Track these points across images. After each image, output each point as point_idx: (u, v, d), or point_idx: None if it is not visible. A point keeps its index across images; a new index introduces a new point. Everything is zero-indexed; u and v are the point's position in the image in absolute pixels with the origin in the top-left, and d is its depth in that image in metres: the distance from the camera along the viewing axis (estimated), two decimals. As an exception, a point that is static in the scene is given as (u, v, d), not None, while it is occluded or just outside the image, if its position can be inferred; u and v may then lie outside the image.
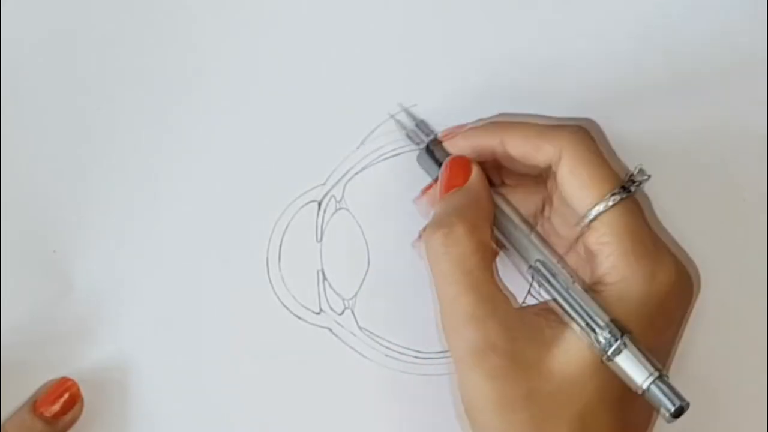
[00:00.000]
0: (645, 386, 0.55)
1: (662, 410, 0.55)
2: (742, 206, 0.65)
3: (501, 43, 0.65)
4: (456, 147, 0.61)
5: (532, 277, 0.58)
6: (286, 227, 0.64)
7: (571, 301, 0.57)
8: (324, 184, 0.64)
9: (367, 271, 0.64)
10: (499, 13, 0.65)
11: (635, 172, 0.58)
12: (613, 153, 0.61)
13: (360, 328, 0.64)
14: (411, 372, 0.64)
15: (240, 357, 0.63)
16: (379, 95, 0.64)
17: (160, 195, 0.64)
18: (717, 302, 0.64)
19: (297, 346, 0.64)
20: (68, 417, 0.62)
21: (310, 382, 0.64)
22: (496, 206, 0.60)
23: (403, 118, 0.64)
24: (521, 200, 0.61)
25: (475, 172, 0.60)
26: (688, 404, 0.55)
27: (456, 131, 0.62)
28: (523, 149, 0.59)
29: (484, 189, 0.60)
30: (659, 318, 0.57)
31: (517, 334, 0.56)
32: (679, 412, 0.55)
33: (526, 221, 0.60)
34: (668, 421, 0.55)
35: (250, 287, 0.64)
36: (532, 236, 0.59)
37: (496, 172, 0.62)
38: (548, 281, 0.58)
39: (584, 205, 0.57)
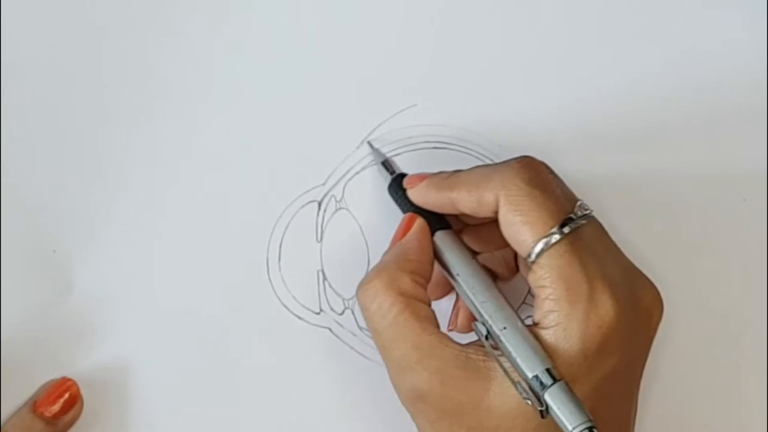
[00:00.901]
0: None
1: None
2: (742, 206, 0.65)
3: (501, 43, 0.65)
4: (413, 198, 0.61)
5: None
6: (286, 227, 0.64)
7: (503, 348, 0.56)
8: (324, 184, 0.64)
9: (367, 271, 0.64)
10: (499, 12, 0.65)
11: (576, 208, 0.57)
12: (557, 186, 0.58)
13: (360, 328, 0.64)
14: (411, 372, 0.64)
15: (240, 357, 0.63)
16: (380, 95, 0.65)
17: (160, 195, 0.64)
18: (717, 303, 0.65)
19: (297, 346, 0.64)
20: (68, 417, 0.62)
21: (310, 382, 0.64)
22: (442, 251, 0.60)
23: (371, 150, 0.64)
24: (492, 237, 0.61)
25: (414, 227, 0.61)
26: None
27: (416, 182, 0.61)
28: (469, 205, 0.59)
29: (415, 240, 0.60)
30: (600, 360, 0.56)
31: (448, 376, 0.57)
32: None
33: (471, 264, 0.60)
34: None
35: (250, 287, 0.64)
36: (471, 279, 0.59)
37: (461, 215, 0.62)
38: (483, 324, 0.58)
39: (523, 249, 0.57)
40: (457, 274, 0.59)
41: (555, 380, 0.54)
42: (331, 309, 0.64)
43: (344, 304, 0.64)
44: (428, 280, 0.60)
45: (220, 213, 0.64)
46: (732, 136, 0.66)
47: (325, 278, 0.64)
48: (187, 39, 0.64)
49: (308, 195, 0.64)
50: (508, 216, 0.57)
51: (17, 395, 0.62)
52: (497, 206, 0.58)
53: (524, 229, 0.57)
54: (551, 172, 0.59)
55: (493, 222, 0.58)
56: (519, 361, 0.55)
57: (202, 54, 0.64)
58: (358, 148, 0.64)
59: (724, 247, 0.65)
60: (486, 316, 0.57)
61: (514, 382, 0.55)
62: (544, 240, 0.56)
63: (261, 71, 0.64)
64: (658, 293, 0.58)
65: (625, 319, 0.56)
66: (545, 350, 0.55)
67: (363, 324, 0.64)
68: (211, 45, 0.64)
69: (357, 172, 0.64)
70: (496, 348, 0.56)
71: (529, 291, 0.62)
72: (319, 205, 0.64)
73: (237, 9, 0.64)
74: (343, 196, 0.64)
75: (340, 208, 0.64)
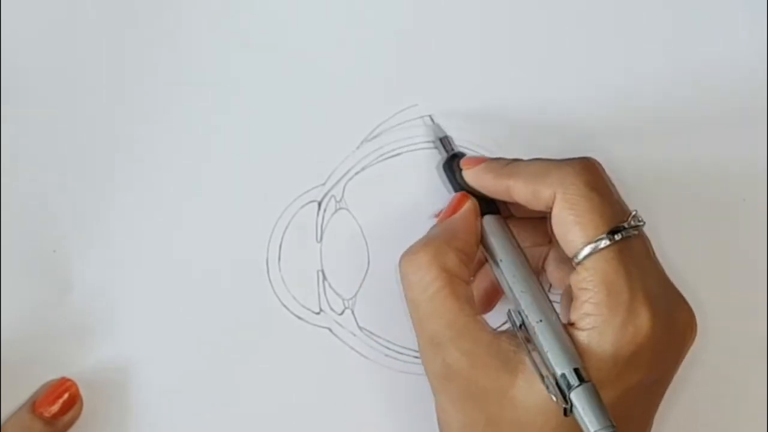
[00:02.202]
0: None
1: None
2: (742, 206, 0.66)
3: (502, 43, 0.65)
4: (468, 180, 0.61)
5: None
6: (286, 227, 0.64)
7: (535, 340, 0.57)
8: (324, 184, 0.64)
9: (367, 271, 0.64)
10: (501, 12, 0.65)
11: (629, 218, 0.57)
12: (613, 192, 0.59)
13: (360, 328, 0.64)
14: (411, 372, 0.64)
15: (240, 357, 0.63)
16: (379, 95, 0.65)
17: (160, 195, 0.64)
18: (717, 303, 0.65)
19: (297, 346, 0.64)
20: (67, 417, 0.62)
21: (310, 382, 0.64)
22: (489, 235, 0.60)
23: (431, 124, 0.64)
24: (531, 233, 0.61)
25: (465, 206, 0.61)
26: None
27: (472, 164, 0.61)
28: (524, 196, 0.59)
29: (464, 220, 0.60)
30: (629, 371, 0.56)
31: (478, 361, 0.57)
32: None
33: (516, 252, 0.60)
34: None
35: (250, 287, 0.64)
36: (514, 267, 0.59)
37: (509, 205, 0.62)
38: (519, 314, 0.58)
39: (570, 248, 0.57)
40: (501, 260, 0.59)
41: (583, 381, 0.54)
42: (331, 309, 0.64)
43: (344, 304, 0.64)
44: (473, 260, 0.60)
45: (220, 213, 0.64)
46: (732, 136, 0.66)
47: (324, 278, 0.64)
48: (187, 39, 0.64)
49: (308, 195, 0.64)
50: (561, 214, 0.57)
51: (17, 395, 0.62)
52: (552, 202, 0.58)
53: (575, 229, 0.57)
54: (609, 179, 0.59)
55: (539, 218, 0.59)
56: (550, 355, 0.55)
57: (202, 54, 0.64)
58: (358, 147, 0.64)
59: (724, 247, 0.65)
60: (523, 306, 0.57)
61: (542, 376, 0.55)
62: (593, 243, 0.56)
63: (261, 71, 0.64)
64: (694, 317, 0.58)
65: (659, 335, 0.56)
66: (577, 350, 0.56)
67: (363, 324, 0.64)
68: (211, 44, 0.64)
69: (357, 172, 0.64)
70: (528, 340, 0.57)
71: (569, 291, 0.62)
72: (319, 205, 0.64)
73: (237, 9, 0.64)
74: (343, 196, 0.64)
75: (340, 208, 0.64)
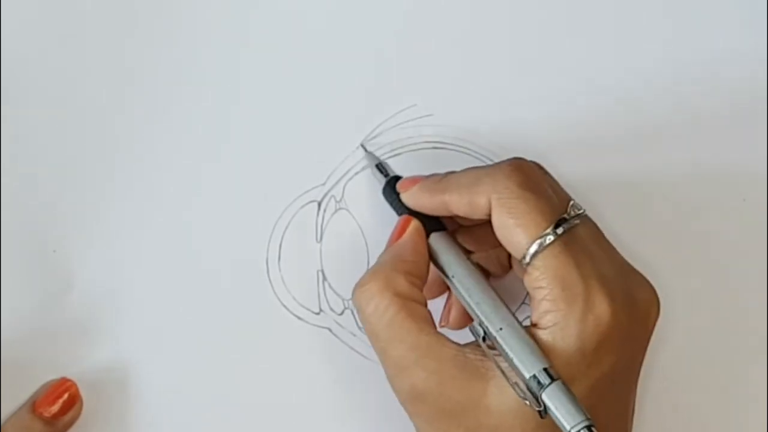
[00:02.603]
0: None
1: None
2: (742, 206, 0.65)
3: (501, 44, 0.65)
4: (406, 202, 0.61)
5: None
6: (286, 227, 0.64)
7: (500, 348, 0.56)
8: (324, 184, 0.64)
9: (366, 271, 0.64)
10: (501, 13, 0.65)
11: (569, 208, 0.57)
12: (548, 187, 0.58)
13: (360, 328, 0.64)
14: (411, 372, 0.64)
15: (240, 357, 0.63)
16: (380, 95, 0.65)
17: (159, 195, 0.64)
18: (717, 303, 0.65)
19: (297, 346, 0.64)
20: (67, 417, 0.62)
21: (310, 382, 0.64)
22: (437, 252, 0.60)
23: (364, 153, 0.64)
24: (485, 237, 0.61)
25: (409, 229, 0.61)
26: None
27: (408, 186, 0.61)
28: (462, 208, 0.59)
29: (410, 242, 0.60)
30: (598, 360, 0.56)
31: (446, 377, 0.57)
32: None
33: (465, 265, 0.59)
34: None
35: (250, 287, 0.64)
36: (466, 280, 0.59)
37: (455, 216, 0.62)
38: (480, 325, 0.58)
39: (518, 251, 0.57)
40: (453, 276, 0.59)
41: (552, 380, 0.54)
42: (331, 309, 0.64)
43: (344, 304, 0.64)
44: (424, 281, 0.60)
45: (219, 213, 0.64)
46: (732, 136, 0.66)
47: (324, 278, 0.64)
48: (187, 39, 0.64)
49: (308, 195, 0.64)
50: (501, 219, 0.57)
51: (17, 395, 0.62)
52: (489, 209, 0.58)
53: (518, 231, 0.57)
54: (544, 172, 0.59)
55: (487, 222, 0.59)
56: (516, 361, 0.55)
57: (202, 54, 0.64)
58: (358, 148, 0.64)
59: (724, 247, 0.65)
60: (482, 317, 0.57)
61: (511, 384, 0.55)
62: (538, 241, 0.56)
63: (261, 71, 0.64)
64: (654, 292, 0.58)
65: (621, 318, 0.56)
66: (543, 350, 0.55)
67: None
68: (210, 44, 0.64)
69: (357, 172, 0.64)
70: (493, 348, 0.56)
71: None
72: (319, 205, 0.64)
73: (236, 8, 0.64)
74: (342, 196, 0.64)
75: (340, 209, 0.64)
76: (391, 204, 0.62)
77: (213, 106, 0.64)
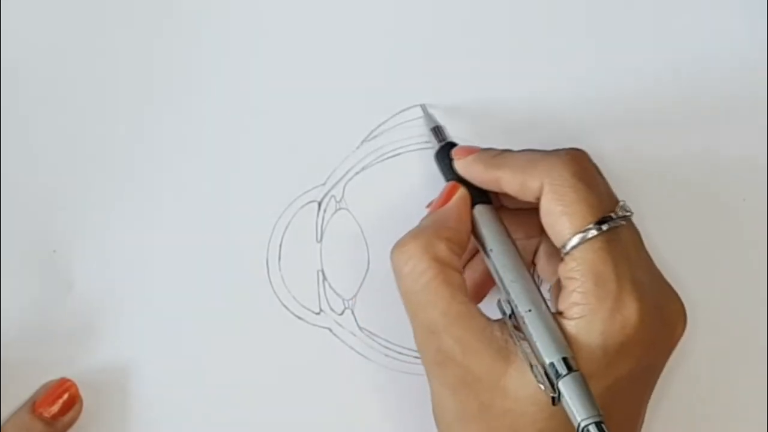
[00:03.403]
0: (582, 426, 0.54)
1: None
2: (742, 206, 0.65)
3: (504, 42, 0.65)
4: (459, 170, 0.61)
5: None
6: (286, 227, 0.64)
7: (524, 329, 0.56)
8: (324, 184, 0.64)
9: (367, 271, 0.64)
10: (503, 12, 0.65)
11: (617, 208, 0.58)
12: (600, 183, 0.59)
13: (360, 328, 0.64)
14: (411, 372, 0.64)
15: (240, 357, 0.63)
16: (379, 96, 0.65)
17: (159, 195, 0.64)
18: (717, 302, 0.65)
19: (297, 346, 0.64)
20: (67, 418, 0.62)
21: (309, 383, 0.64)
22: (480, 225, 0.60)
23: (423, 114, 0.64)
24: (523, 225, 0.61)
25: (456, 196, 0.61)
26: None
27: (463, 155, 0.61)
28: (513, 187, 0.59)
29: (455, 209, 0.60)
30: (618, 361, 0.56)
31: (471, 348, 0.57)
32: None
33: (506, 242, 0.59)
34: None
35: (250, 287, 0.64)
36: (505, 257, 0.59)
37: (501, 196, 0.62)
38: (509, 303, 0.58)
39: (559, 239, 0.57)
40: (491, 250, 0.59)
41: (571, 370, 0.54)
42: (331, 309, 0.64)
43: (344, 304, 0.64)
44: (464, 249, 0.60)
45: (220, 213, 0.64)
46: (732, 135, 0.66)
47: (325, 278, 0.64)
48: (187, 37, 0.64)
49: (308, 195, 0.64)
50: (549, 204, 0.57)
51: (17, 395, 0.62)
52: (540, 193, 0.58)
53: (563, 219, 0.57)
54: (598, 170, 0.59)
55: (530, 210, 0.59)
56: (539, 344, 0.55)
57: (202, 54, 0.64)
58: (358, 148, 0.64)
59: (724, 247, 0.65)
60: (513, 296, 0.57)
61: (531, 366, 0.55)
62: (581, 234, 0.56)
63: (261, 71, 0.64)
64: (683, 307, 0.58)
65: (648, 325, 0.56)
66: (566, 340, 0.56)
67: (363, 324, 0.64)
68: (211, 44, 0.64)
69: (357, 173, 0.64)
70: (517, 329, 0.56)
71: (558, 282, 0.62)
72: (319, 205, 0.64)
73: (237, 8, 0.64)
74: (343, 196, 0.64)
75: (340, 209, 0.64)
76: (441, 169, 0.62)
77: (212, 106, 0.64)
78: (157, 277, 0.63)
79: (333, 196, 0.64)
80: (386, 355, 0.64)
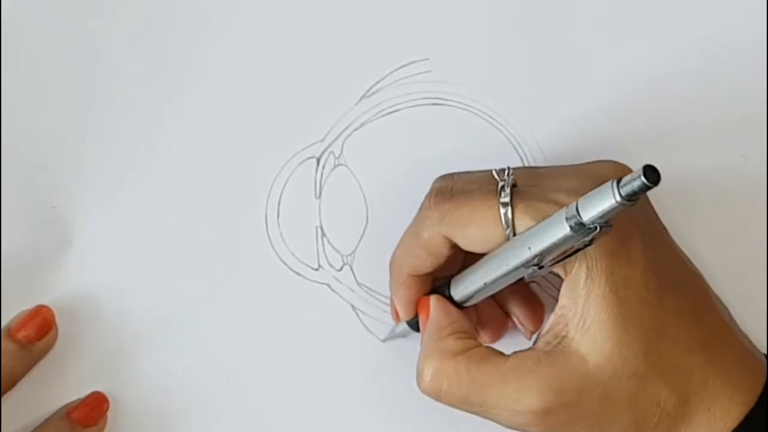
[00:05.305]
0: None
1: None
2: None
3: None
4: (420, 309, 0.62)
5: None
6: (285, 184, 0.64)
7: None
8: (322, 141, 0.64)
9: (365, 227, 0.64)
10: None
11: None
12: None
13: (358, 284, 0.64)
14: (409, 327, 0.63)
15: (239, 313, 0.63)
16: (378, 50, 0.65)
17: (158, 150, 0.64)
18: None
19: (295, 301, 0.63)
20: (42, 343, 0.61)
21: (308, 338, 0.63)
22: (461, 297, 0.60)
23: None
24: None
25: (430, 305, 0.60)
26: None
27: (395, 308, 0.62)
28: (417, 261, 0.60)
29: (438, 311, 0.60)
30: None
31: (542, 383, 0.56)
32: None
33: (474, 275, 0.59)
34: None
35: (249, 244, 0.64)
36: (488, 268, 0.58)
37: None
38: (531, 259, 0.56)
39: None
40: (485, 283, 0.58)
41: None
42: (330, 265, 0.64)
43: (343, 260, 0.64)
44: (470, 331, 0.59)
45: (218, 169, 0.64)
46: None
47: (323, 234, 0.64)
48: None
49: (307, 151, 0.64)
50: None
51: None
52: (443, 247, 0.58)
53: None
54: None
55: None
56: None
57: (199, 7, 0.64)
58: (356, 104, 0.64)
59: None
60: (530, 246, 0.55)
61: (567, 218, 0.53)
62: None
63: (258, 26, 0.64)
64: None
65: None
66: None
67: (361, 280, 0.64)
68: (207, 0, 0.65)
69: (356, 128, 0.64)
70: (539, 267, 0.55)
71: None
72: (318, 161, 0.64)
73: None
74: (341, 152, 0.64)
75: (339, 165, 0.64)
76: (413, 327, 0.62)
77: (211, 62, 0.64)
78: (155, 232, 0.63)
79: (332, 152, 0.64)
80: (384, 311, 0.64)
